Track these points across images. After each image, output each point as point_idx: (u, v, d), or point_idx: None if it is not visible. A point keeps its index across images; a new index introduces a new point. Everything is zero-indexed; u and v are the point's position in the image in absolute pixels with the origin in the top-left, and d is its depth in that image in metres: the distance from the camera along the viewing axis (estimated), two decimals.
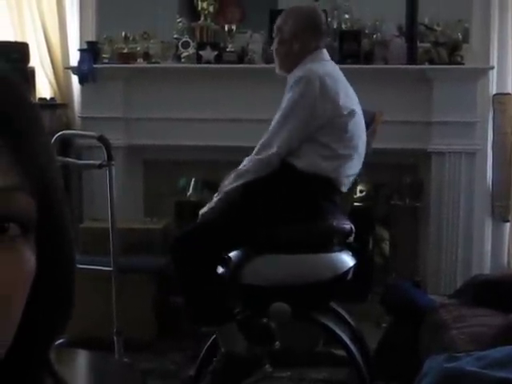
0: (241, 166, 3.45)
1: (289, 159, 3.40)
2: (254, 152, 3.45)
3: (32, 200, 0.62)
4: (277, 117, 3.44)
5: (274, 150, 3.37)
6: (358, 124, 3.49)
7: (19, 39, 5.21)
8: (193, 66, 5.01)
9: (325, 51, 3.61)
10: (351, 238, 3.52)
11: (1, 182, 0.60)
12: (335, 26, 4.97)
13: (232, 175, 3.46)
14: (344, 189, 3.51)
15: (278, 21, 3.65)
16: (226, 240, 3.39)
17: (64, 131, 4.11)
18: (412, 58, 4.78)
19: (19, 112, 0.63)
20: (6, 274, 0.60)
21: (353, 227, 3.50)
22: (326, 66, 3.53)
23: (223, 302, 3.40)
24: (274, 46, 3.65)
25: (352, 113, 3.43)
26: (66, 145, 4.43)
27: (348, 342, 3.40)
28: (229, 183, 3.46)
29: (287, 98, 3.43)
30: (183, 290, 3.43)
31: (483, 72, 4.86)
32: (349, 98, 3.46)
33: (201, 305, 3.36)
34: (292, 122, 3.38)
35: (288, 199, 3.39)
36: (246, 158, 3.48)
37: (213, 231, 3.38)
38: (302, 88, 3.38)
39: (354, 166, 3.50)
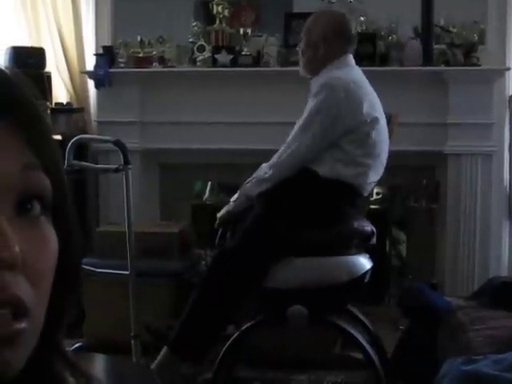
0: (261, 173, 3.45)
1: (311, 165, 3.39)
2: (276, 157, 3.45)
3: (47, 178, 0.65)
4: (300, 123, 3.44)
5: (294, 153, 3.38)
6: (382, 131, 3.48)
7: (35, 44, 5.23)
8: (208, 69, 5.02)
9: (350, 56, 3.60)
10: (373, 240, 3.52)
11: (24, 159, 0.63)
12: None
13: (254, 180, 3.47)
14: (365, 193, 3.51)
15: (308, 22, 3.63)
16: (265, 249, 3.39)
17: (80, 135, 4.12)
18: (428, 59, 4.77)
19: (28, 96, 0.66)
20: (38, 250, 0.63)
21: (374, 229, 3.50)
22: (352, 73, 3.51)
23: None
24: (301, 47, 3.62)
25: (375, 120, 3.42)
26: (82, 149, 4.44)
27: (365, 344, 3.39)
28: (250, 188, 3.46)
29: (311, 104, 3.42)
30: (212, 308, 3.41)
31: (499, 73, 4.85)
32: (373, 105, 3.45)
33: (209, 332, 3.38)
34: (314, 129, 3.37)
35: (309, 204, 3.38)
36: (264, 165, 3.47)
37: (254, 243, 3.38)
38: (325, 95, 3.36)
39: (377, 173, 3.50)
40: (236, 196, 3.54)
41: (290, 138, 3.45)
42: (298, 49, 3.71)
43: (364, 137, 3.39)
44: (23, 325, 0.61)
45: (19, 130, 0.63)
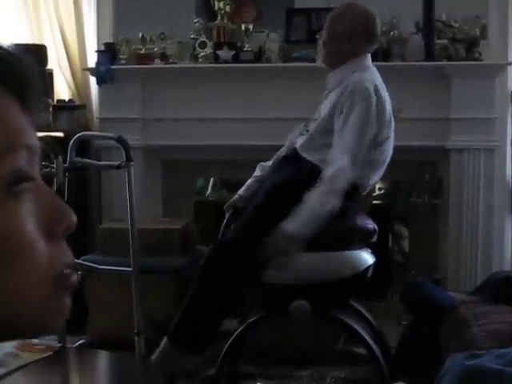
0: (318, 205, 3.25)
1: (320, 164, 3.36)
2: (327, 182, 3.28)
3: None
4: (343, 138, 3.31)
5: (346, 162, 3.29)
6: (393, 130, 3.49)
7: (37, 41, 5.23)
8: (210, 65, 5.02)
9: (369, 56, 3.57)
10: (375, 238, 3.51)
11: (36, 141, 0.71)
12: None
13: (315, 216, 3.26)
14: (364, 193, 3.49)
15: (334, 14, 3.56)
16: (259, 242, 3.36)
17: (83, 132, 4.12)
18: (430, 54, 4.76)
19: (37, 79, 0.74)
20: None
21: (376, 227, 3.49)
22: (373, 75, 3.49)
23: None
24: (323, 38, 3.55)
25: (391, 120, 3.43)
26: (84, 146, 4.44)
27: (368, 339, 3.39)
28: (318, 204, 3.27)
29: (349, 109, 3.31)
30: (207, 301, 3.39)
31: (501, 68, 4.84)
32: (390, 105, 3.45)
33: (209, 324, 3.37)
34: (363, 137, 3.31)
35: None
36: (317, 193, 3.28)
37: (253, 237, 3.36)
38: (366, 103, 3.32)
39: (381, 172, 3.49)
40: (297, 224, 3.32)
41: (337, 152, 3.30)
42: (317, 37, 3.65)
43: (385, 139, 3.39)
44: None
45: (31, 112, 0.71)
